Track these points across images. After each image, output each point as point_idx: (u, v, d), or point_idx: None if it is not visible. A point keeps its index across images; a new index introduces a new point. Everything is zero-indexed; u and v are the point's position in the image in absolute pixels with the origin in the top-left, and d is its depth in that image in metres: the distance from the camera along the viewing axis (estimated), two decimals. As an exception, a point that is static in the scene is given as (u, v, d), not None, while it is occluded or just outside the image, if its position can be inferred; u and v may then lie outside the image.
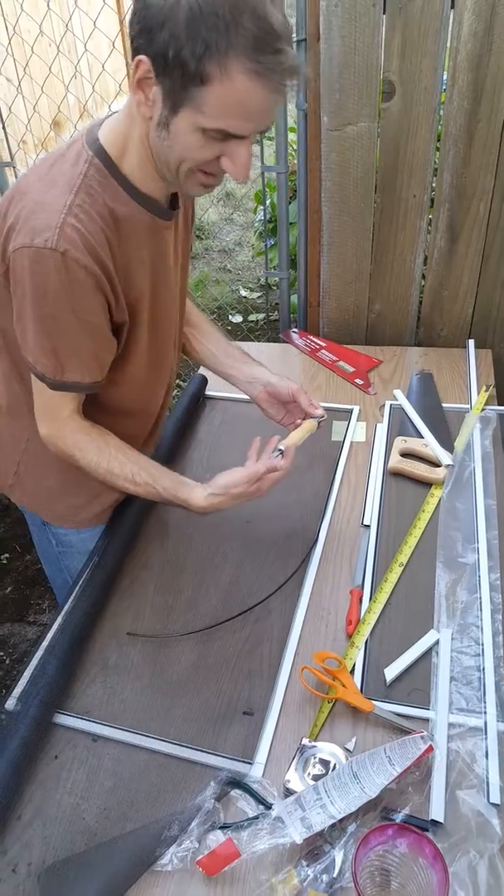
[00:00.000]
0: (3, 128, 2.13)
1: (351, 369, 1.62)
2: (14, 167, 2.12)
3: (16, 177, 2.24)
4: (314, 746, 0.84)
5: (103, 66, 2.13)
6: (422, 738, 0.81)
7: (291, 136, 1.87)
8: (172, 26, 0.71)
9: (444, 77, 1.45)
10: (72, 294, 0.86)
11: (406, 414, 1.44)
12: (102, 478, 1.01)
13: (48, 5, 2.78)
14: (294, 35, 1.52)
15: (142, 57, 0.75)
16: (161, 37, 0.72)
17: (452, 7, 1.37)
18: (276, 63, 0.73)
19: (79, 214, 0.84)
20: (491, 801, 0.79)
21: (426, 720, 0.88)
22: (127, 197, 0.90)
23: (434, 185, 1.57)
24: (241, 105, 0.76)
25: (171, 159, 0.84)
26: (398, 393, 1.50)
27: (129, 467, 1.01)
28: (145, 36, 0.74)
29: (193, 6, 0.70)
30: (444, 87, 1.46)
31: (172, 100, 0.77)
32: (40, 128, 3.53)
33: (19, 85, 2.74)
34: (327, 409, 1.47)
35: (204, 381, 1.53)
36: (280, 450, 1.04)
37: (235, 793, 0.81)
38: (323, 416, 1.12)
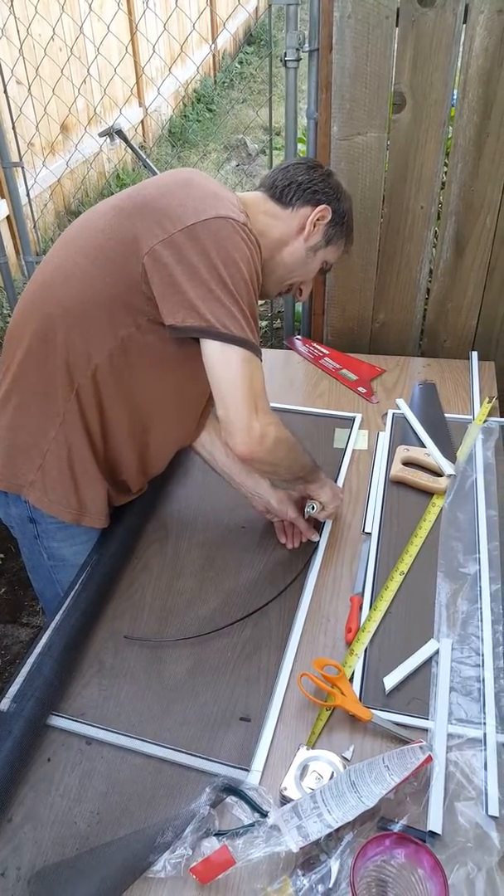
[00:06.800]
0: (14, 129, 2.13)
1: (354, 377, 1.62)
2: (22, 167, 2.12)
3: (24, 178, 2.24)
4: (312, 754, 0.82)
5: (115, 71, 2.14)
6: (420, 748, 0.80)
7: (301, 147, 1.88)
8: (349, 205, 1.18)
9: (454, 91, 1.46)
10: (254, 267, 1.00)
11: (408, 423, 1.44)
12: (289, 449, 1.04)
13: (62, 8, 2.80)
14: (306, 45, 1.54)
15: (328, 206, 1.12)
16: (344, 206, 1.16)
17: (464, 22, 1.38)
18: None
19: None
20: (489, 813, 0.78)
21: (425, 730, 0.87)
22: None
23: (441, 197, 1.58)
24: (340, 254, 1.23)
25: (297, 271, 1.15)
26: (401, 402, 1.50)
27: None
28: (334, 196, 1.14)
29: (351, 205, 1.20)
30: (454, 100, 1.47)
31: (329, 237, 1.15)
32: (48, 130, 3.54)
33: (29, 88, 2.76)
34: (329, 417, 1.48)
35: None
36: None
37: (231, 800, 0.80)
38: (317, 539, 1.18)
